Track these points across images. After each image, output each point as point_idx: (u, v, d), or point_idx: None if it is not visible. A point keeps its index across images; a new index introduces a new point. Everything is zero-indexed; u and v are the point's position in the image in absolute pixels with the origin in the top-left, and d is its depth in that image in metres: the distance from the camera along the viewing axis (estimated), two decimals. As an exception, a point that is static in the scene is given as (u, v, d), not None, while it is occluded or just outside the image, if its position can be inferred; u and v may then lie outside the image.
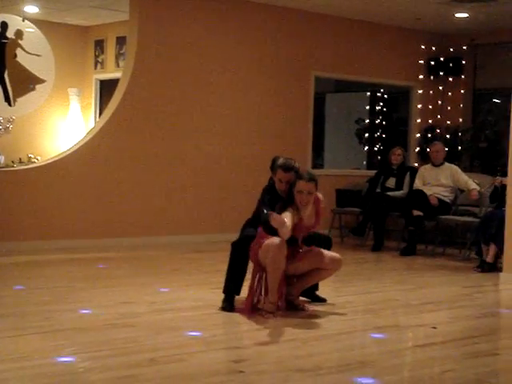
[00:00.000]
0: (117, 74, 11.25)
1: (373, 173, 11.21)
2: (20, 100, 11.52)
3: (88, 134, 9.91)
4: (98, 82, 13.14)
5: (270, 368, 4.49)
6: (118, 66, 12.53)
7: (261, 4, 10.65)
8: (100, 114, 12.26)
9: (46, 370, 4.25)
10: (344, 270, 8.73)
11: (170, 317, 5.69)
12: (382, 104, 12.93)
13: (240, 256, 6.08)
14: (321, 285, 6.50)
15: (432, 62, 12.44)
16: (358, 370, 4.48)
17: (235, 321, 5.74)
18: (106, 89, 12.68)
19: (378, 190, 10.59)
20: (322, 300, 6.46)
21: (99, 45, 12.97)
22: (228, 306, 5.96)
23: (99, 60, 12.99)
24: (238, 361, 4.58)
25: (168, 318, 5.67)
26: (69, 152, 9.53)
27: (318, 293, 6.50)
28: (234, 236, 6.32)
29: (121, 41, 12.30)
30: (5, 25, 11.20)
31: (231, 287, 6.06)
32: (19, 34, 11.41)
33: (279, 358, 4.74)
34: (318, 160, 12.10)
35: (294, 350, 5.00)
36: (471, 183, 9.85)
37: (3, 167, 11.15)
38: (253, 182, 10.74)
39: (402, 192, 10.40)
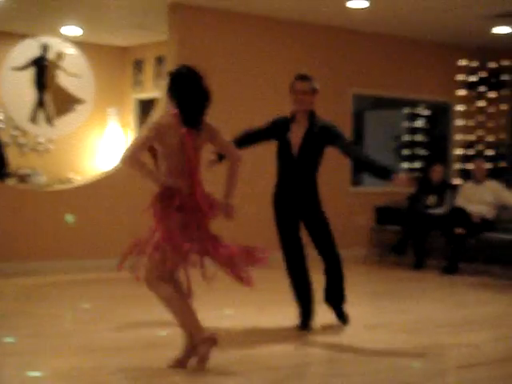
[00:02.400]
0: (155, 94, 11.33)
1: (413, 190, 11.12)
2: (60, 120, 11.66)
3: (127, 153, 9.96)
4: (137, 102, 13.24)
5: None
6: (156, 86, 12.61)
7: (298, 22, 10.65)
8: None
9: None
10: (384, 288, 8.72)
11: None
12: (421, 121, 12.83)
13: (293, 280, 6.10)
14: (359, 304, 6.42)
15: (472, 78, 12.32)
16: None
17: (276, 340, 5.69)
18: (145, 108, 12.76)
19: (419, 208, 10.50)
20: (345, 320, 6.24)
21: (138, 65, 13.08)
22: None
23: (138, 80, 13.10)
24: None
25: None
26: (108, 173, 9.59)
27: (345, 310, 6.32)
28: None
29: (159, 61, 12.38)
30: (46, 47, 11.38)
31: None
32: (60, 55, 11.58)
33: (317, 376, 4.68)
34: (357, 177, 12.03)
35: (331, 370, 4.94)
36: (514, 199, 9.72)
37: (44, 187, 11.27)
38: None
39: (442, 209, 10.29)
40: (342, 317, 6.20)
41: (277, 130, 6.20)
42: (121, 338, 5.62)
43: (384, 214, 10.91)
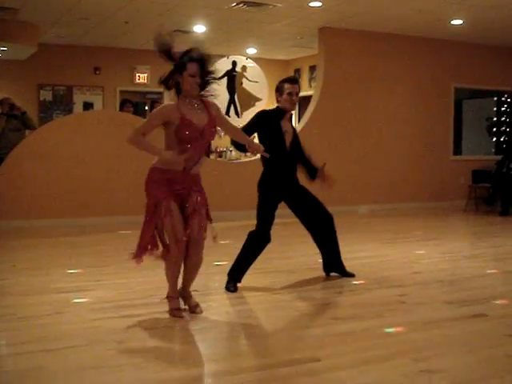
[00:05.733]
0: (310, 92, 11.40)
1: (500, 157, 10.61)
2: (245, 113, 11.97)
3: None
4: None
5: (425, 301, 4.44)
6: (310, 86, 12.66)
7: (414, 37, 10.35)
8: (299, 121, 12.45)
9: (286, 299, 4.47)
10: (479, 229, 8.43)
11: (349, 264, 5.42)
12: (506, 105, 12.12)
13: (253, 248, 4.80)
14: (460, 240, 6.21)
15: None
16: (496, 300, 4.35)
17: (396, 267, 5.64)
18: (303, 103, 12.83)
19: (504, 170, 10.03)
20: (351, 275, 5.10)
21: (297, 72, 13.16)
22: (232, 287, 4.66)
23: (297, 83, 13.11)
24: (401, 295, 4.58)
25: (348, 264, 5.40)
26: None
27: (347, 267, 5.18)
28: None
29: (312, 68, 12.41)
30: (235, 63, 11.69)
31: (235, 274, 4.74)
32: (244, 68, 11.85)
33: (431, 294, 4.67)
34: (457, 149, 11.61)
35: (442, 287, 4.90)
36: None
37: (234, 160, 11.65)
38: (405, 169, 10.54)
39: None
40: (349, 274, 5.12)
41: (265, 124, 4.92)
42: (290, 263, 5.79)
43: (478, 175, 10.54)
